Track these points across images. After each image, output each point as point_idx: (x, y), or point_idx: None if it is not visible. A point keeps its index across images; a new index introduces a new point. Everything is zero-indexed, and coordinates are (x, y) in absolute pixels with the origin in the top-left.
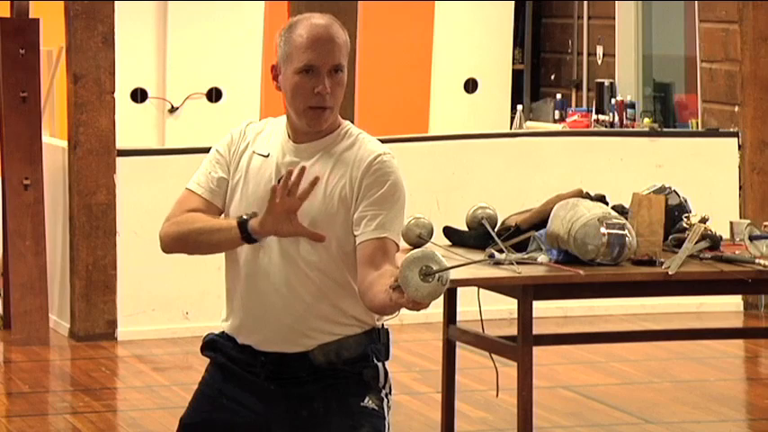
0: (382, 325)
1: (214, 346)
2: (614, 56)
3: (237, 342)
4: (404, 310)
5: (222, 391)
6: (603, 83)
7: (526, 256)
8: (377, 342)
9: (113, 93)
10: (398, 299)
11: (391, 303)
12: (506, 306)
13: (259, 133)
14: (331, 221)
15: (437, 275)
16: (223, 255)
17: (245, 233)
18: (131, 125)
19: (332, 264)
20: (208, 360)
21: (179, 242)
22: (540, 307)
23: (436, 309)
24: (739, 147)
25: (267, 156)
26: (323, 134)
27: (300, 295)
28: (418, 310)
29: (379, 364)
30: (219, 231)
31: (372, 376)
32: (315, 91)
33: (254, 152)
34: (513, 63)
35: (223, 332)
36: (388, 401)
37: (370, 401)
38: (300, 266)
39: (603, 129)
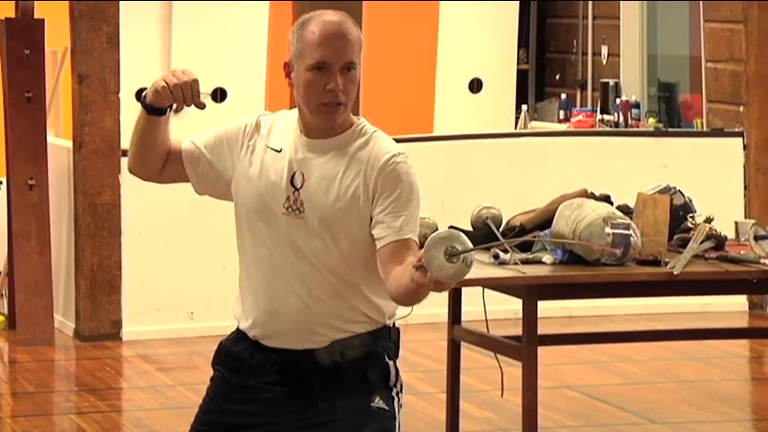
0: (393, 323)
1: (222, 357)
2: (619, 56)
3: (248, 342)
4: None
5: (229, 396)
6: (608, 83)
7: (531, 256)
8: (387, 340)
9: (118, 93)
10: (420, 278)
11: (413, 284)
12: (511, 306)
13: (271, 127)
14: (344, 220)
15: (462, 256)
16: (226, 254)
17: (144, 103)
18: None
19: (343, 263)
20: (212, 359)
21: (131, 155)
22: (545, 307)
23: (441, 309)
24: (744, 147)
25: (280, 151)
26: (337, 131)
27: (316, 294)
28: (440, 291)
29: (390, 363)
30: (136, 122)
31: (383, 375)
32: (327, 88)
33: (266, 146)
34: (518, 63)
35: (233, 336)
36: (398, 400)
37: (380, 401)
38: (315, 265)
39: (608, 129)
